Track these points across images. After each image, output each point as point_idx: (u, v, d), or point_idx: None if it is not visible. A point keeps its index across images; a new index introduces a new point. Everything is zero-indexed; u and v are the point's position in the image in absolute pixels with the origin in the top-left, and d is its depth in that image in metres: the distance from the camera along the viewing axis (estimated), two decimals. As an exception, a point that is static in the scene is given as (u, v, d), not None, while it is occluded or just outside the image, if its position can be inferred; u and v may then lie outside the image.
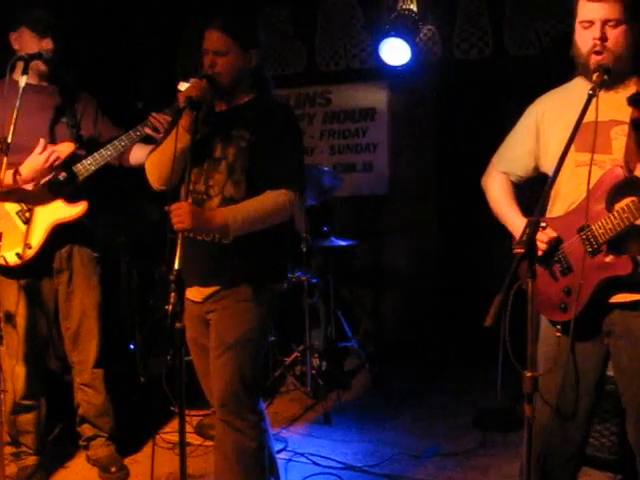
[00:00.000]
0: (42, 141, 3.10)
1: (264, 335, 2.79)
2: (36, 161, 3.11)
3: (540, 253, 2.30)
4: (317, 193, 4.81)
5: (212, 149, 2.67)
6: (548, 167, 2.43)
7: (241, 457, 2.70)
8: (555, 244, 2.31)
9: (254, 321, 2.68)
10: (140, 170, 2.81)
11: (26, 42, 3.16)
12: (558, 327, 2.35)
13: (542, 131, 2.46)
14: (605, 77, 2.20)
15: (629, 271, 2.20)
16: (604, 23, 2.21)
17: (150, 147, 2.97)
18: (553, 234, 2.31)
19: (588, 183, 2.21)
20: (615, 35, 2.22)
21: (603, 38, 2.21)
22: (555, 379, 2.38)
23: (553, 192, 2.39)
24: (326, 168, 4.96)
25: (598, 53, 2.24)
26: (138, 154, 3.33)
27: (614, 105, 2.29)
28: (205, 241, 2.63)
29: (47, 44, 3.15)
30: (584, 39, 2.27)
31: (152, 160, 2.74)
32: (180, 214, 2.37)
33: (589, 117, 2.15)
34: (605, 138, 2.27)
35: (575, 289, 2.27)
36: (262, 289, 2.69)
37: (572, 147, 2.20)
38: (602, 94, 2.23)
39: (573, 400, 2.40)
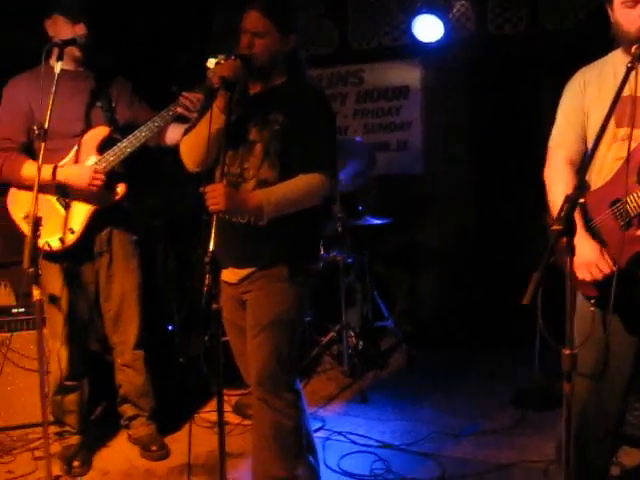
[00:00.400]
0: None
1: (300, 315, 2.81)
2: (78, 178, 3.17)
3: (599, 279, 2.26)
4: (352, 172, 4.79)
5: (247, 132, 2.68)
6: (589, 140, 2.40)
7: (279, 435, 2.73)
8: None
9: (290, 301, 2.70)
10: (176, 152, 2.82)
11: (60, 28, 3.19)
12: (592, 301, 2.35)
13: (585, 103, 2.41)
14: None
15: None
16: None
17: (185, 126, 2.98)
18: (606, 270, 2.24)
19: (628, 157, 2.17)
20: None
21: None
22: (591, 354, 2.37)
23: (590, 166, 2.34)
24: (358, 138, 4.91)
25: None
26: (174, 134, 3.35)
27: None
28: (240, 223, 2.65)
29: (80, 29, 3.18)
30: (629, 18, 2.22)
31: (187, 142, 2.75)
32: (215, 196, 2.38)
33: (628, 91, 2.12)
34: None
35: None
36: (297, 269, 2.70)
37: (612, 122, 2.20)
38: None
39: (610, 375, 2.39)
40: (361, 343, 4.80)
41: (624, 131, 2.24)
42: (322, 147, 2.64)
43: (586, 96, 2.41)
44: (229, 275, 2.76)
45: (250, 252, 2.69)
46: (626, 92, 2.12)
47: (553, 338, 2.06)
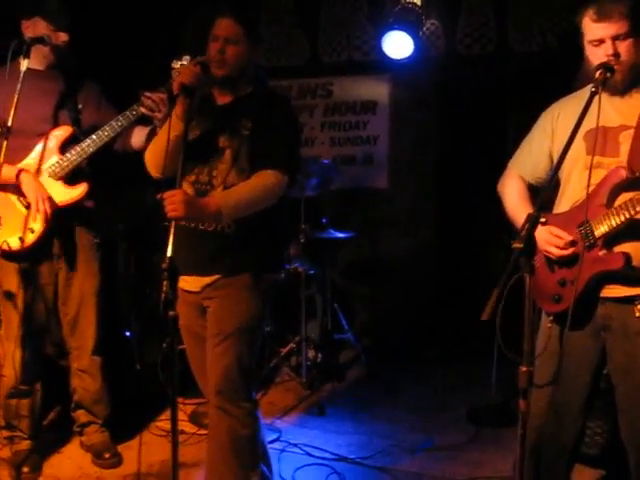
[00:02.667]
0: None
1: (261, 324, 2.82)
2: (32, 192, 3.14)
3: (557, 256, 2.36)
4: (316, 185, 4.82)
5: (216, 141, 2.69)
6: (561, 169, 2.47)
7: (235, 444, 2.72)
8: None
9: (253, 310, 2.71)
10: (141, 156, 2.81)
11: (40, 32, 3.13)
12: (550, 318, 2.43)
13: (557, 134, 2.52)
14: (608, 75, 2.27)
15: (620, 266, 2.26)
16: (614, 39, 2.30)
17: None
18: (569, 237, 2.34)
19: (588, 182, 2.29)
20: (625, 48, 2.30)
21: (616, 54, 2.29)
22: (549, 371, 2.42)
23: (560, 192, 2.49)
24: (326, 160, 4.96)
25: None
26: (140, 137, 3.32)
27: (624, 111, 2.37)
28: (206, 231, 2.65)
29: (63, 37, 3.16)
30: (596, 56, 2.34)
31: (149, 149, 2.76)
32: (174, 202, 2.36)
33: (597, 122, 2.27)
34: (614, 142, 2.35)
35: (569, 281, 2.35)
36: (261, 278, 2.71)
37: (583, 150, 2.36)
38: (613, 100, 2.36)
39: (567, 393, 2.44)
40: (320, 355, 4.80)
41: (595, 159, 2.33)
42: (278, 146, 2.65)
43: (558, 125, 2.51)
44: (191, 283, 2.74)
45: (215, 260, 2.68)
46: (595, 123, 2.27)
47: (511, 354, 2.09)
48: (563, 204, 2.47)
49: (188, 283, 2.74)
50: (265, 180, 2.60)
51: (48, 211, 3.16)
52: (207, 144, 2.69)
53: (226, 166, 2.66)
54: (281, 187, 2.64)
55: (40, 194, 3.15)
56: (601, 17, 2.29)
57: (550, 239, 2.37)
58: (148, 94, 3.11)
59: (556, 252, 2.37)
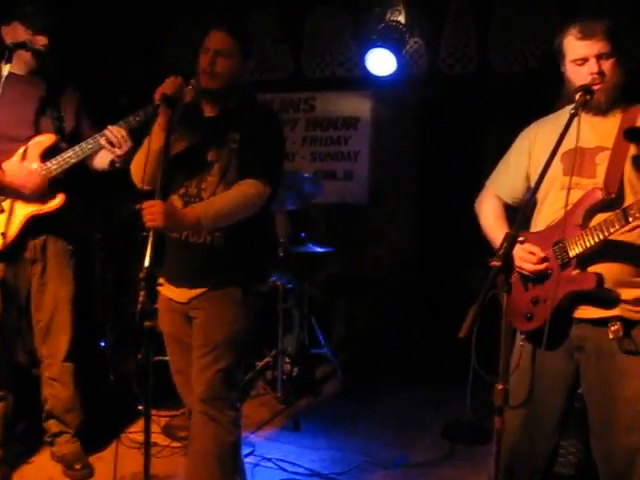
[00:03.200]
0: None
1: (249, 335, 2.82)
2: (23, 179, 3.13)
3: (530, 272, 2.38)
4: (297, 199, 4.82)
5: (205, 154, 2.70)
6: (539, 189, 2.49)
7: (219, 450, 2.71)
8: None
9: (241, 322, 2.72)
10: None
11: (18, 36, 3.13)
12: (522, 336, 2.44)
13: (534, 154, 2.53)
14: (587, 97, 2.29)
15: (592, 287, 2.27)
16: (598, 58, 2.31)
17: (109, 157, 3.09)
18: (541, 254, 2.36)
19: (566, 202, 2.31)
20: (609, 66, 2.32)
21: (601, 73, 2.31)
22: (522, 388, 2.43)
23: (536, 212, 2.51)
24: (306, 174, 4.97)
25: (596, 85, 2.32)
26: (103, 160, 3.30)
27: (601, 132, 2.38)
28: (195, 243, 2.66)
29: (42, 40, 3.15)
30: (579, 75, 2.34)
31: (135, 159, 2.77)
32: (152, 212, 2.36)
33: (575, 143, 2.29)
34: (591, 163, 2.37)
35: (542, 300, 2.36)
36: (249, 290, 2.72)
37: (560, 170, 2.37)
38: (592, 121, 2.37)
39: (540, 411, 2.45)
40: (296, 369, 4.79)
41: (571, 180, 2.34)
42: (262, 157, 2.65)
43: (535, 146, 2.52)
44: (178, 294, 2.74)
45: (204, 273, 2.68)
46: (573, 144, 2.29)
47: (486, 372, 2.09)
48: (539, 224, 2.49)
49: (175, 294, 2.74)
50: (246, 190, 2.59)
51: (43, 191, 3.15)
52: (195, 157, 2.70)
53: (215, 179, 2.66)
54: (261, 197, 2.63)
55: (29, 179, 3.13)
56: (585, 35, 2.30)
57: (524, 256, 2.38)
58: (110, 128, 3.09)
59: (529, 267, 2.37)
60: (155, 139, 2.57)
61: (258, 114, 2.78)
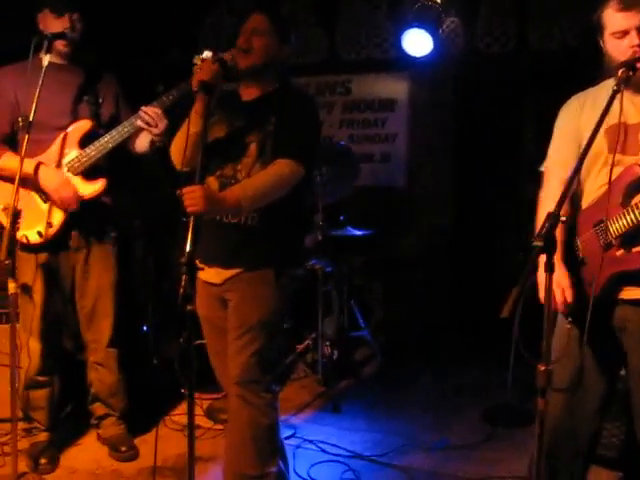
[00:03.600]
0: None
1: (283, 318, 2.86)
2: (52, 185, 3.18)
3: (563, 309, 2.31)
4: (335, 174, 4.78)
5: (242, 136, 2.72)
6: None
7: (255, 433, 2.74)
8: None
9: (274, 304, 2.74)
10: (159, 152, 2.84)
11: (49, 22, 3.19)
12: (569, 319, 2.36)
13: (581, 124, 2.43)
14: (630, 73, 2.20)
15: (638, 266, 2.21)
16: (639, 30, 2.22)
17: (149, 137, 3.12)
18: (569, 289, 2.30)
19: (610, 179, 2.23)
20: None
21: None
22: (566, 371, 2.39)
23: (581, 190, 2.42)
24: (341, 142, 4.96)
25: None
26: (143, 142, 3.33)
27: None
28: (229, 223, 2.69)
29: (64, 23, 3.18)
30: (620, 49, 2.26)
31: (175, 142, 2.80)
32: (193, 197, 2.37)
33: (619, 118, 2.20)
34: (634, 140, 2.29)
35: (586, 282, 2.31)
36: (282, 272, 2.74)
37: (605, 147, 2.30)
38: (633, 97, 2.29)
39: (583, 394, 2.41)
40: (336, 352, 4.80)
41: (614, 157, 2.26)
42: (297, 138, 2.67)
43: (582, 118, 2.44)
44: (213, 275, 2.76)
45: (238, 253, 2.71)
46: (616, 119, 2.20)
47: (530, 354, 2.07)
48: (582, 203, 2.43)
49: (209, 275, 2.75)
50: (279, 170, 2.61)
51: (72, 206, 3.19)
52: (233, 140, 2.73)
53: (251, 160, 2.69)
54: (295, 177, 2.64)
55: (61, 188, 3.17)
56: (625, 6, 2.22)
57: (556, 290, 2.28)
58: (144, 109, 3.11)
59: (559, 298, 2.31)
60: (193, 124, 2.61)
61: (295, 98, 2.81)
